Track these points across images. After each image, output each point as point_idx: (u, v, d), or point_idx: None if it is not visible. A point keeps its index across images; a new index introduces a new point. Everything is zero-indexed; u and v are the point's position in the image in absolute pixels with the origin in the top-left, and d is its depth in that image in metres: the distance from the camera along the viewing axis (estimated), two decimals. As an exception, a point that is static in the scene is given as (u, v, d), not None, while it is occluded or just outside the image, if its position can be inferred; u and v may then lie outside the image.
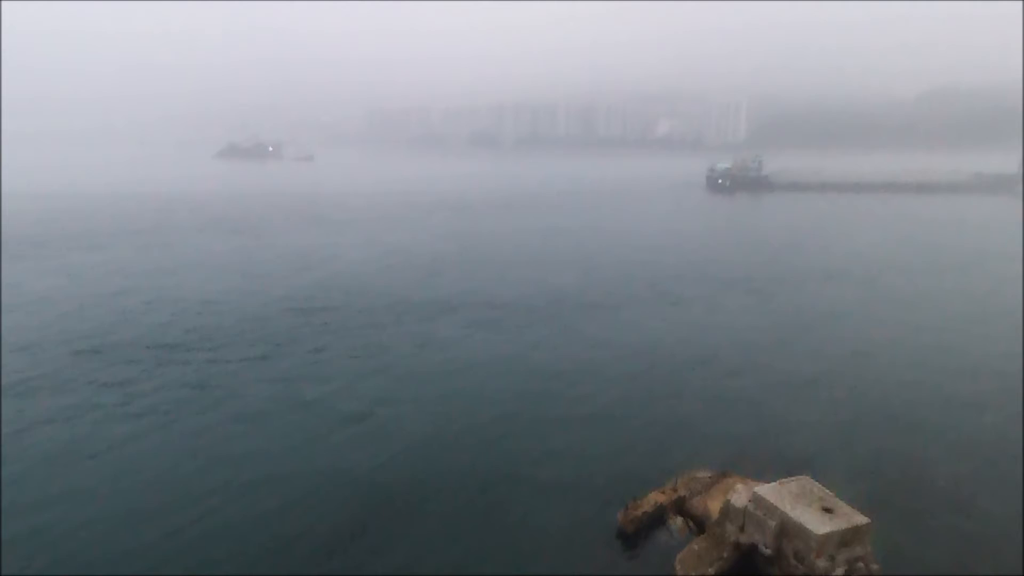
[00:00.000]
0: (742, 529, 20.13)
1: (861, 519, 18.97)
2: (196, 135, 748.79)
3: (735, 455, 27.97)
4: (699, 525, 22.46)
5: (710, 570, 19.91)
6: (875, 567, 18.89)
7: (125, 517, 24.07)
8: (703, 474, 25.14)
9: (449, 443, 29.75)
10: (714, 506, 22.34)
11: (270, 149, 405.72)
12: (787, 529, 19.02)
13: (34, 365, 38.80)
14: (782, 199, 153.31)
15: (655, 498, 23.58)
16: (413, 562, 21.77)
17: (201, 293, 56.27)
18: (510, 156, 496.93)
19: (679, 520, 23.05)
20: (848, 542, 18.59)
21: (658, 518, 23.08)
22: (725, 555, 20.12)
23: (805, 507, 19.29)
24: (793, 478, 20.90)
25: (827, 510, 19.22)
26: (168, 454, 28.71)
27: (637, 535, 22.48)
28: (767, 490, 20.23)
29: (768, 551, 19.24)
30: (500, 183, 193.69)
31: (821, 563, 18.30)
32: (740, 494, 20.77)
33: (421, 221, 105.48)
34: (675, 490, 24.02)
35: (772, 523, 19.22)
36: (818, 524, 18.62)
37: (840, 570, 18.35)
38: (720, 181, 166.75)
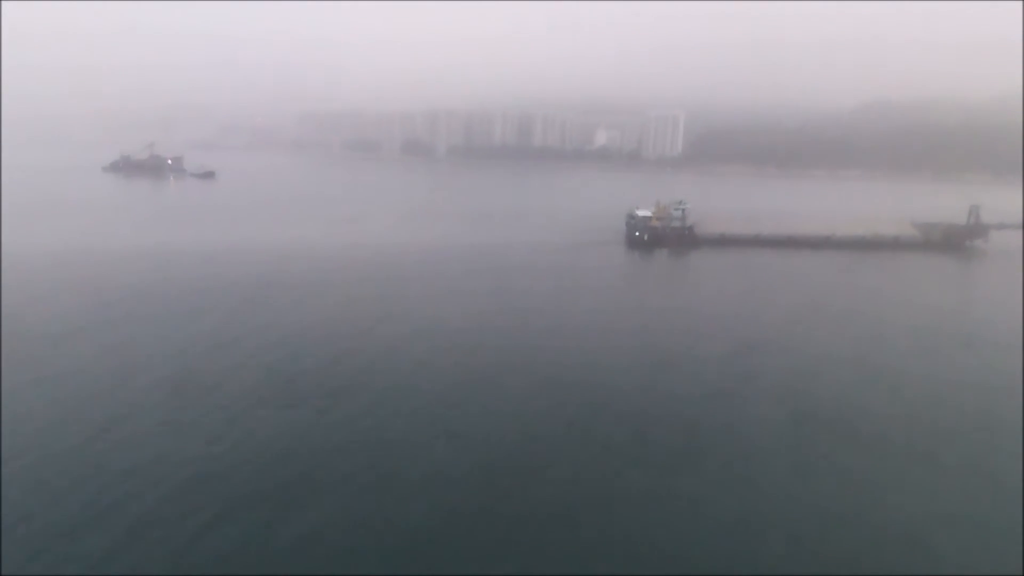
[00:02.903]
0: None
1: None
2: (110, 137, 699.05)
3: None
4: None
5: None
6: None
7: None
8: None
9: None
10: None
11: (169, 162, 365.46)
12: None
13: None
14: (706, 262, 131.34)
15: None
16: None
17: None
18: (441, 169, 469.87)
19: None
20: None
21: None
22: None
23: None
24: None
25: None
26: None
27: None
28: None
29: None
30: (395, 225, 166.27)
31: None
32: None
33: (192, 317, 77.50)
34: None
35: None
36: None
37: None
38: (638, 234, 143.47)
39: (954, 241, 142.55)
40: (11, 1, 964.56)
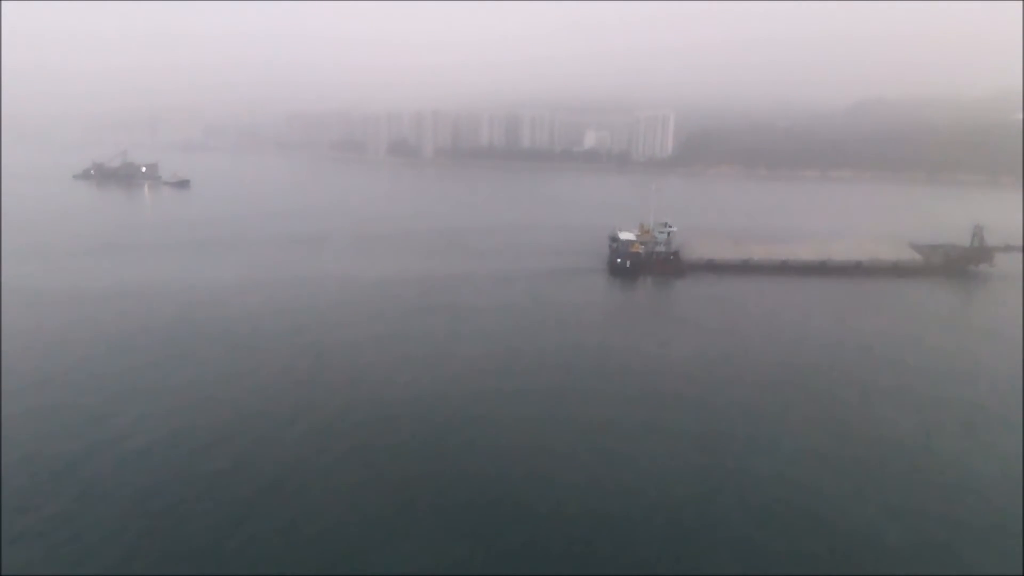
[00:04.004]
0: None
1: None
2: (97, 138, 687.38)
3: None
4: None
5: None
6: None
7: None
8: None
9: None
10: None
11: (143, 170, 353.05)
12: None
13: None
14: (691, 294, 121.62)
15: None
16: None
17: None
18: (425, 173, 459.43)
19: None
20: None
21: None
22: None
23: None
24: None
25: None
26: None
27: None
28: None
29: None
30: (354, 247, 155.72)
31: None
32: None
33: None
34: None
35: None
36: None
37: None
38: (619, 260, 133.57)
39: (956, 266, 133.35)
40: (9, 1, 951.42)
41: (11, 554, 33.45)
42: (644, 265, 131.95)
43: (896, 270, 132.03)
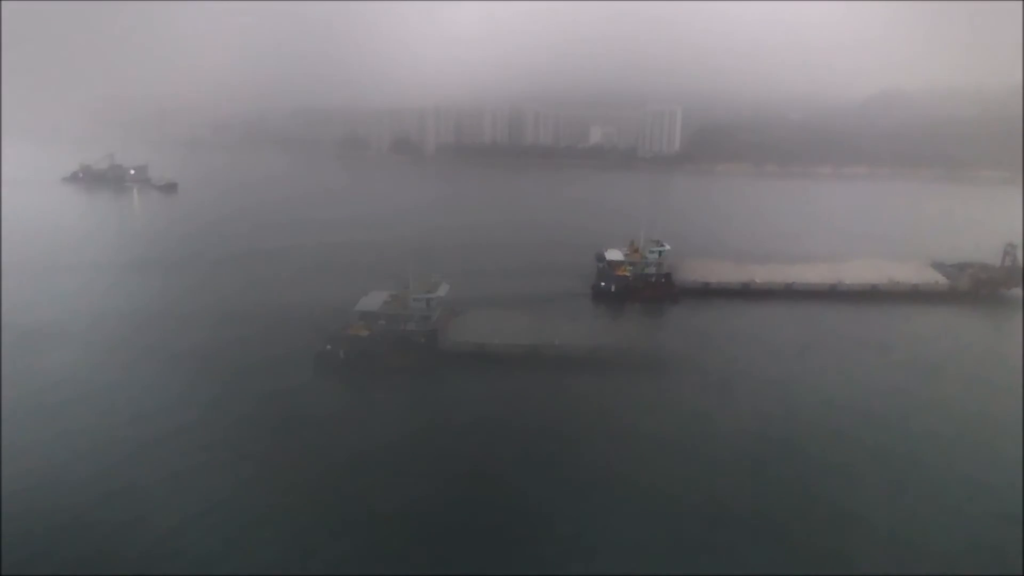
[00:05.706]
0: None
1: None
2: (105, 136, 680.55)
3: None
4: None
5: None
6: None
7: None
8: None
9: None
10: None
11: (131, 172, 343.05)
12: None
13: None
14: (680, 325, 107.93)
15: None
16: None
17: None
18: (426, 172, 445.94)
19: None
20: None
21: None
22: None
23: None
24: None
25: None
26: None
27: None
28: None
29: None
30: (314, 271, 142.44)
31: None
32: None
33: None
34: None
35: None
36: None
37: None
38: (604, 285, 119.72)
39: (985, 289, 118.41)
40: (11, 1, 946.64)
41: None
42: (632, 290, 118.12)
43: (916, 295, 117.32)
